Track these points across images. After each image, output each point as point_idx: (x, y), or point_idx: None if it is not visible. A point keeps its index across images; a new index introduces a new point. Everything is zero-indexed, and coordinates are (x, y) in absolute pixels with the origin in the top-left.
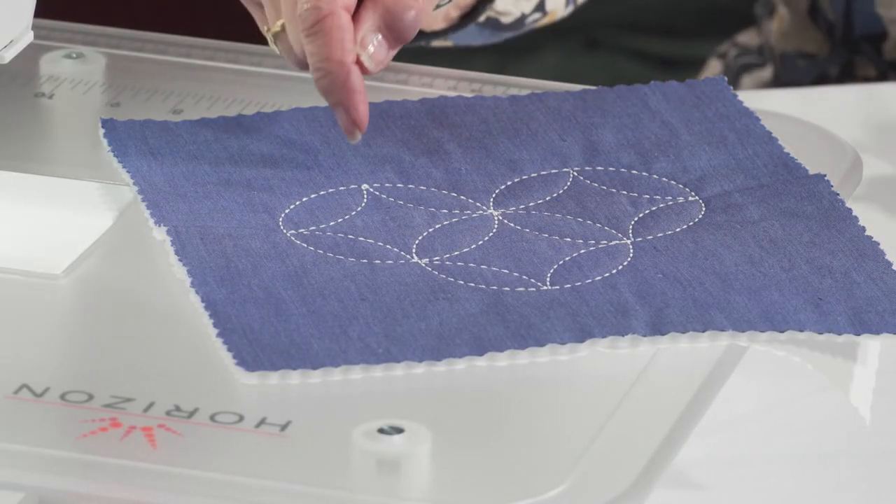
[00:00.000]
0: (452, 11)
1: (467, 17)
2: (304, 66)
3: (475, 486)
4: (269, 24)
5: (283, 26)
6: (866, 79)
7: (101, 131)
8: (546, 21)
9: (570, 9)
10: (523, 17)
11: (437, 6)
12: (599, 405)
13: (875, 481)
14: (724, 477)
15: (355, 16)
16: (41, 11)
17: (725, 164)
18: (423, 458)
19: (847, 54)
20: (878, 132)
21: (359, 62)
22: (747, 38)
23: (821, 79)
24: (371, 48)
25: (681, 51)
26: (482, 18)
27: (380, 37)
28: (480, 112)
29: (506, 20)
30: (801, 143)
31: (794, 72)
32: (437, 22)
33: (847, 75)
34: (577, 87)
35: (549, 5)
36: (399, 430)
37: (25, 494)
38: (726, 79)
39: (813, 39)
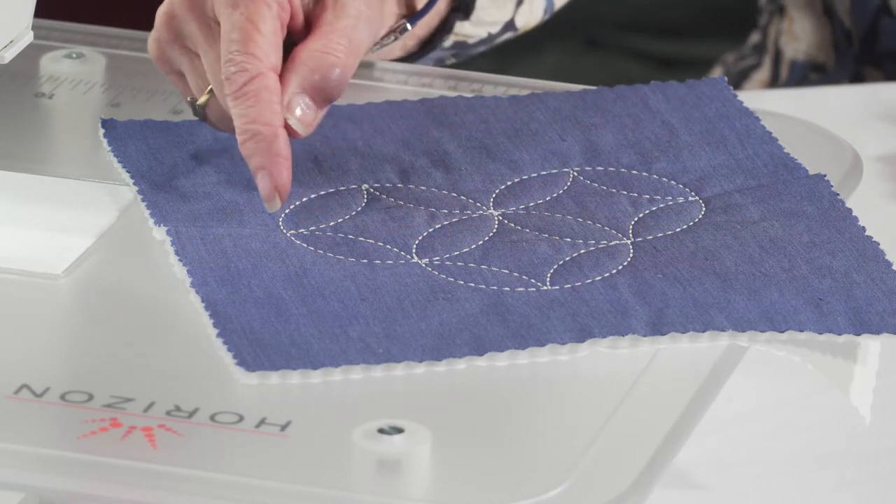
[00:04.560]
0: (409, 41)
1: (426, 45)
2: (234, 131)
3: (475, 486)
4: (192, 94)
5: (211, 93)
6: None
7: (101, 131)
8: (521, 33)
9: (548, 16)
10: (490, 36)
11: (382, 46)
12: (599, 405)
13: (875, 481)
14: (724, 477)
15: (279, 77)
16: (41, 11)
17: (725, 164)
18: (423, 458)
19: (856, 66)
20: (879, 132)
21: (287, 126)
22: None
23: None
24: (299, 111)
25: (681, 51)
26: (448, 43)
27: (307, 99)
28: (480, 112)
29: (472, 41)
30: (801, 143)
31: (805, 85)
32: (393, 52)
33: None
34: (577, 87)
35: (519, 22)
36: (399, 430)
37: (25, 494)
38: (726, 79)
39: (822, 44)
